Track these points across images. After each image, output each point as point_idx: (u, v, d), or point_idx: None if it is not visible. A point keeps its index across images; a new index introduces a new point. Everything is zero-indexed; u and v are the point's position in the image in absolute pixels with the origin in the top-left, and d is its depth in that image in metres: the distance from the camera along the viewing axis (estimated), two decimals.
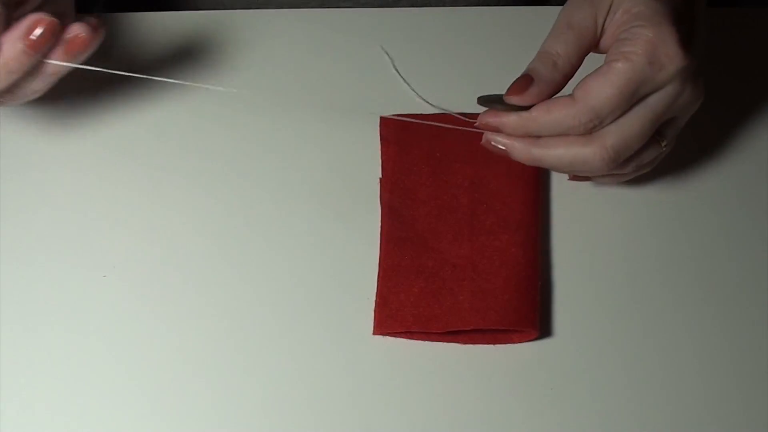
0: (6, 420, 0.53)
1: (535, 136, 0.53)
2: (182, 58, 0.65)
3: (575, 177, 0.59)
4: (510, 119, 0.53)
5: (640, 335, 0.57)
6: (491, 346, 0.56)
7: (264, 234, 0.59)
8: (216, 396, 0.54)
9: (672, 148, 0.56)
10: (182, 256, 0.58)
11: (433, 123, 0.59)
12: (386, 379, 0.55)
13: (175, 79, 0.58)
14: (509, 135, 0.54)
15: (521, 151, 0.54)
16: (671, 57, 0.51)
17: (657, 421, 0.54)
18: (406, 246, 0.58)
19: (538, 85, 0.52)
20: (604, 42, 0.54)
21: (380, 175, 0.61)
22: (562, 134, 0.52)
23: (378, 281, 0.57)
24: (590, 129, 0.52)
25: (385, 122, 0.62)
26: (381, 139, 0.61)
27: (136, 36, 0.65)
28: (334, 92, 0.64)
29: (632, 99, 0.51)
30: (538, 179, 0.60)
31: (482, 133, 0.56)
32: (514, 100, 0.52)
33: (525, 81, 0.52)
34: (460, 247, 0.57)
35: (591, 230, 0.60)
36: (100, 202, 0.59)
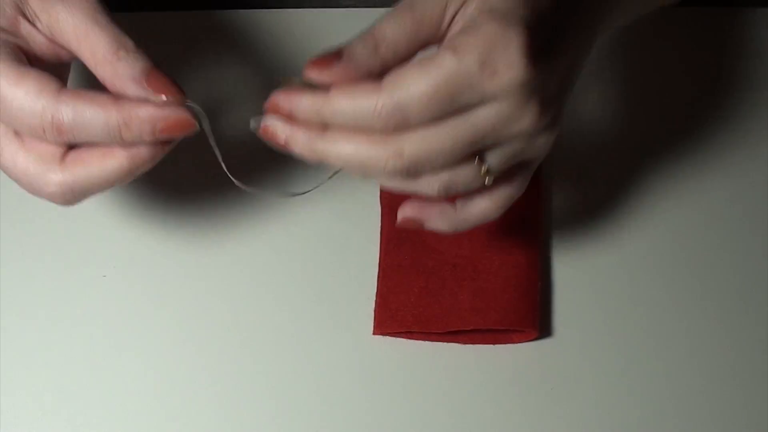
0: (6, 420, 0.53)
1: (323, 127, 0.43)
2: (182, 58, 0.65)
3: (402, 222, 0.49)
4: (302, 100, 0.42)
5: (640, 336, 0.57)
6: (491, 346, 0.56)
7: (264, 234, 0.59)
8: (216, 394, 0.54)
9: (518, 190, 0.47)
10: (182, 255, 0.58)
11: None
12: (386, 379, 0.55)
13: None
14: (295, 122, 0.43)
15: (303, 144, 0.43)
16: (510, 64, 0.41)
17: (656, 421, 0.54)
18: (406, 246, 0.58)
19: (346, 64, 0.42)
20: (451, 34, 0.43)
21: None
22: (358, 128, 0.42)
23: (378, 281, 0.57)
24: (392, 127, 0.42)
25: None
26: None
27: (136, 36, 0.65)
28: None
29: (450, 103, 0.41)
30: (539, 178, 0.60)
31: None
32: (313, 74, 0.42)
33: (332, 56, 0.42)
34: (460, 247, 0.57)
35: (591, 231, 0.60)
36: (100, 201, 0.59)
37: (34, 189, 0.45)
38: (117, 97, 0.44)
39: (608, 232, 0.60)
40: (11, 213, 0.59)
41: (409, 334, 0.56)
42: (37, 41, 0.46)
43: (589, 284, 0.58)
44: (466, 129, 0.42)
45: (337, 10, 0.67)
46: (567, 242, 0.59)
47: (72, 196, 0.45)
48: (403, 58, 0.43)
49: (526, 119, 0.42)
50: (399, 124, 0.42)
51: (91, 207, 0.59)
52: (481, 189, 0.46)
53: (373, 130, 0.42)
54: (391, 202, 0.59)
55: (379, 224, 0.59)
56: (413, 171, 0.43)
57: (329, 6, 0.68)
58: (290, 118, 0.43)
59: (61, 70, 0.48)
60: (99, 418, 0.53)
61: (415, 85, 0.41)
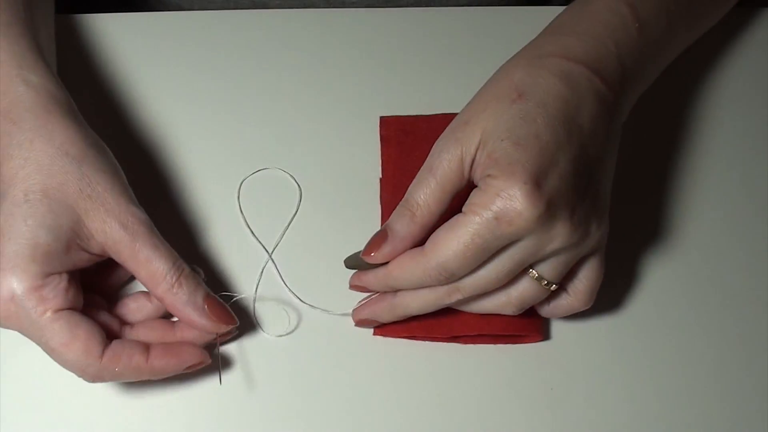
0: (6, 420, 0.53)
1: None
2: (183, 58, 0.65)
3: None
4: (368, 277, 0.53)
5: (638, 337, 0.57)
6: (491, 346, 0.56)
7: (264, 232, 0.59)
8: (214, 391, 0.54)
9: (585, 302, 0.53)
10: (182, 255, 0.58)
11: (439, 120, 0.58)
12: (386, 378, 0.55)
13: (175, 79, 0.58)
14: (371, 303, 0.54)
15: (387, 312, 0.54)
16: (519, 212, 0.47)
17: (654, 422, 0.55)
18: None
19: (392, 241, 0.51)
20: (476, 179, 0.51)
21: (380, 176, 0.60)
22: (421, 287, 0.51)
23: None
24: (444, 281, 0.50)
25: (385, 122, 0.62)
26: (381, 139, 0.61)
27: (136, 36, 0.65)
28: (334, 92, 0.64)
29: (484, 253, 0.49)
30: None
31: None
32: (369, 259, 0.52)
33: (380, 238, 0.51)
34: None
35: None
36: None
37: (71, 370, 0.50)
38: (148, 354, 0.50)
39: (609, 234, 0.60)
40: None
41: (412, 336, 0.56)
42: (84, 258, 0.50)
43: None
44: (506, 264, 0.50)
45: (341, 10, 0.67)
46: None
47: (100, 380, 0.50)
48: (440, 213, 0.51)
49: (558, 240, 0.49)
50: (448, 277, 0.50)
51: None
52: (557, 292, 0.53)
53: (433, 285, 0.51)
54: (391, 204, 0.59)
55: (379, 225, 0.59)
56: (465, 292, 0.51)
57: (334, 6, 0.68)
58: (365, 290, 0.54)
59: None
60: (99, 417, 0.54)
61: (449, 247, 0.49)
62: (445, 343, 0.56)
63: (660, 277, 0.59)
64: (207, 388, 0.54)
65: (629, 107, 0.56)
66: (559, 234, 0.49)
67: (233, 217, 0.59)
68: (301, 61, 0.65)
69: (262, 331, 0.56)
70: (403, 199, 0.51)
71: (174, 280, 0.51)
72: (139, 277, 0.51)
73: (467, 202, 0.50)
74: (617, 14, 0.54)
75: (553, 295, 0.53)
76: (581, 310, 0.54)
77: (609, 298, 0.57)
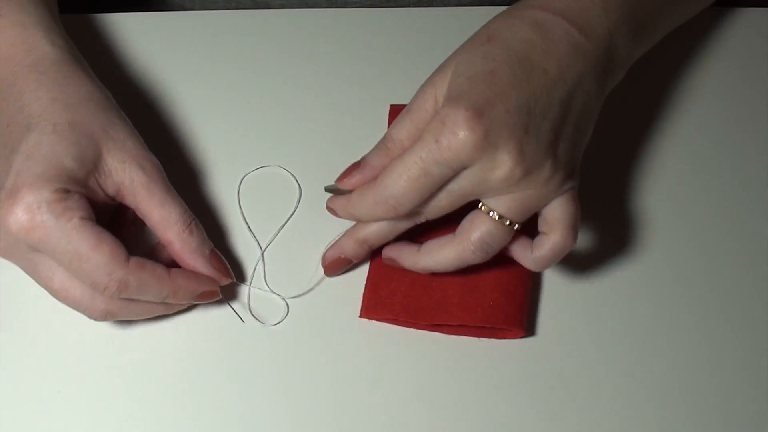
0: (6, 420, 0.53)
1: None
2: (184, 58, 0.65)
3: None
4: (336, 201, 0.55)
5: (634, 337, 0.57)
6: (475, 339, 0.56)
7: (263, 229, 0.59)
8: (211, 384, 0.55)
9: (568, 240, 0.53)
10: None
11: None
12: (385, 378, 0.55)
13: (176, 80, 0.58)
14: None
15: (350, 243, 0.56)
16: (456, 135, 0.49)
17: (656, 422, 0.55)
18: (404, 236, 0.57)
19: (362, 170, 0.54)
20: None
21: None
22: (376, 217, 0.53)
23: (370, 267, 0.58)
24: (394, 209, 0.52)
25: (394, 110, 0.62)
26: (389, 126, 0.62)
27: (136, 36, 0.65)
28: (336, 92, 0.64)
29: (429, 180, 0.51)
30: None
31: None
32: (341, 185, 0.54)
33: (354, 167, 0.54)
34: None
35: (587, 230, 0.60)
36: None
37: (79, 309, 0.52)
38: (169, 270, 0.52)
39: (605, 234, 0.60)
40: None
41: (395, 320, 0.56)
42: (99, 195, 0.52)
43: (577, 285, 0.58)
44: (454, 192, 0.52)
45: (343, 10, 0.68)
46: None
47: (110, 318, 0.52)
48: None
49: (501, 170, 0.50)
50: (396, 208, 0.52)
51: None
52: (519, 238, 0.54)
53: (383, 215, 0.53)
54: None
55: None
56: (433, 248, 0.53)
57: (337, 6, 0.68)
58: (335, 213, 0.56)
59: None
60: (99, 417, 0.54)
61: (396, 171, 0.51)
62: (444, 343, 0.56)
63: (655, 276, 0.59)
64: (200, 377, 0.55)
65: (623, 63, 0.56)
66: (502, 164, 0.50)
67: (233, 211, 0.60)
68: (304, 60, 0.65)
69: (251, 323, 0.56)
70: (382, 138, 0.54)
71: (185, 226, 0.53)
72: (152, 220, 0.53)
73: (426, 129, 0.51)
74: None
75: (535, 244, 0.53)
76: (567, 249, 0.53)
77: (595, 297, 0.58)
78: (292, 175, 0.61)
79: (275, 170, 0.61)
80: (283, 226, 0.59)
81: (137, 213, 0.54)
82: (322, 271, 0.57)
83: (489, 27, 0.54)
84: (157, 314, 0.54)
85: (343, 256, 0.56)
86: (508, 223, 0.52)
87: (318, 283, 0.57)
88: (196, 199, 0.60)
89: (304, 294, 0.57)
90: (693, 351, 0.57)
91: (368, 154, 0.54)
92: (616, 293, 0.58)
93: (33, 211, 0.48)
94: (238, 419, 0.54)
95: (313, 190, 0.60)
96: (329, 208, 0.56)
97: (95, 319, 0.52)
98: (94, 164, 0.51)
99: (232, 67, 0.65)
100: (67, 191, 0.49)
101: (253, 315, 0.57)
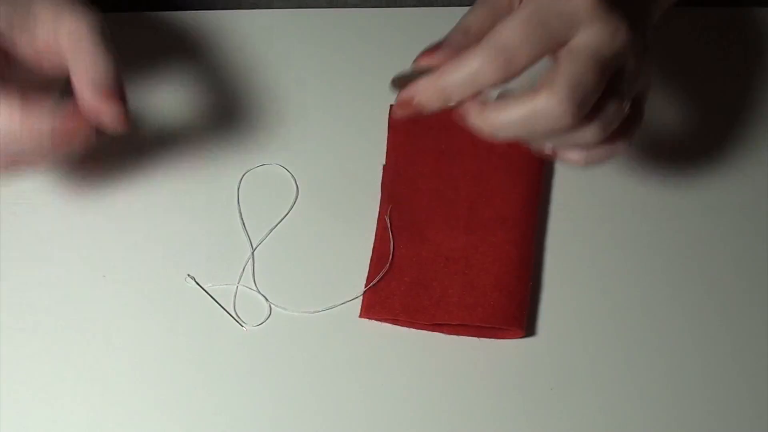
0: (6, 420, 0.53)
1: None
2: (185, 58, 0.65)
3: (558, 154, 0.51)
4: (420, 83, 0.48)
5: (634, 337, 0.57)
6: (477, 340, 0.56)
7: (260, 227, 0.59)
8: (211, 380, 0.55)
9: (642, 118, 0.50)
10: (181, 253, 0.58)
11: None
12: (381, 378, 0.55)
13: (175, 80, 0.58)
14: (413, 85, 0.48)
15: (429, 89, 0.48)
16: None
17: (656, 422, 0.54)
18: (402, 234, 0.58)
19: (446, 48, 0.48)
20: None
21: (384, 162, 0.61)
22: (480, 89, 0.47)
23: (370, 266, 0.57)
24: (506, 66, 0.46)
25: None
26: (389, 127, 0.62)
27: (136, 36, 0.65)
28: (337, 92, 0.64)
29: (544, 31, 0.46)
30: (540, 177, 0.60)
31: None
32: (423, 61, 0.48)
33: (435, 47, 0.49)
34: (455, 240, 0.57)
35: (587, 231, 0.60)
36: (100, 201, 0.59)
37: None
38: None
39: (605, 234, 0.60)
40: (11, 212, 0.59)
41: (395, 320, 0.56)
42: (24, 42, 0.50)
43: (581, 286, 0.58)
44: (581, 53, 0.45)
45: (342, 10, 0.68)
46: (563, 242, 0.59)
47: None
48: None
49: (621, 32, 0.46)
50: (509, 65, 0.45)
51: (92, 206, 0.59)
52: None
53: (494, 81, 0.46)
54: (392, 189, 0.59)
55: (378, 209, 0.59)
56: (575, 100, 0.45)
57: (337, 6, 0.68)
58: (412, 107, 0.48)
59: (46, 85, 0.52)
60: (99, 417, 0.53)
61: (506, 25, 0.45)
62: (444, 343, 0.56)
63: (658, 277, 0.59)
64: (201, 375, 0.55)
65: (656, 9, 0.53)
66: (621, 27, 0.46)
67: (231, 209, 0.60)
68: (304, 60, 0.65)
69: (238, 322, 0.56)
70: (457, 23, 0.49)
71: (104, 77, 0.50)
72: (74, 69, 0.50)
73: None
74: None
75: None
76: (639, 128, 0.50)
77: (600, 299, 0.58)
78: (291, 174, 0.61)
79: (275, 168, 0.61)
80: (275, 227, 0.59)
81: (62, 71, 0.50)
82: (311, 273, 0.57)
83: None
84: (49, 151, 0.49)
85: (415, 101, 0.48)
86: (625, 104, 0.48)
87: (317, 283, 0.57)
88: (196, 197, 0.60)
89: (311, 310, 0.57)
90: (693, 351, 0.56)
91: (446, 36, 0.49)
92: (616, 293, 0.58)
93: None
94: (237, 419, 0.54)
95: (312, 189, 0.60)
96: (402, 102, 0.49)
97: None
98: (20, 16, 0.49)
99: (232, 66, 0.65)
100: None
101: (234, 316, 0.56)
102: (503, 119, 0.47)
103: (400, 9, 0.68)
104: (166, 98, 0.63)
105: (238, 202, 0.60)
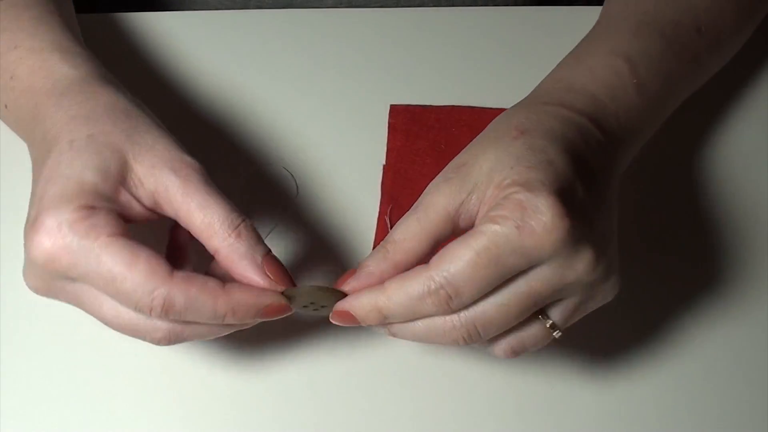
0: (6, 420, 0.53)
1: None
2: (185, 58, 0.65)
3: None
4: (362, 297, 0.45)
5: (635, 337, 0.57)
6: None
7: (259, 227, 0.59)
8: (211, 379, 0.55)
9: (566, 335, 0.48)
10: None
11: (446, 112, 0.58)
12: (378, 377, 0.55)
13: (174, 80, 0.58)
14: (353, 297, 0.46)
15: (368, 309, 0.46)
16: (544, 224, 0.42)
17: (656, 422, 0.55)
18: None
19: (358, 277, 0.46)
20: (479, 217, 0.45)
21: (383, 163, 0.61)
22: (418, 318, 0.45)
23: None
24: (448, 301, 0.43)
25: (394, 110, 0.62)
26: (389, 127, 0.62)
27: (136, 36, 0.65)
28: (338, 93, 0.64)
29: (497, 268, 0.43)
30: None
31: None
32: (341, 284, 0.47)
33: (348, 274, 0.47)
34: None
35: None
36: None
37: (138, 336, 0.46)
38: (224, 284, 0.45)
39: None
40: (11, 212, 0.59)
41: None
42: (134, 209, 0.46)
43: None
44: (522, 291, 0.44)
45: (342, 10, 0.68)
46: None
47: (175, 342, 0.46)
48: (416, 253, 0.45)
49: (580, 265, 0.44)
50: (452, 296, 0.43)
51: None
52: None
53: (436, 307, 0.44)
54: (391, 191, 0.60)
55: (378, 210, 0.60)
56: (478, 338, 0.45)
57: (341, 6, 0.69)
58: (351, 319, 0.46)
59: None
60: (99, 417, 0.54)
61: (459, 255, 0.43)
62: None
63: (659, 273, 0.59)
64: (202, 373, 0.55)
65: (626, 162, 0.54)
66: (582, 261, 0.44)
67: None
68: (305, 60, 0.66)
69: None
70: (382, 241, 0.47)
71: (232, 229, 0.46)
72: (195, 229, 0.46)
73: (479, 219, 0.45)
74: (615, 72, 0.53)
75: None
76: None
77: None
78: (291, 174, 0.61)
79: (275, 169, 0.61)
80: (275, 227, 0.59)
81: (181, 225, 0.47)
82: (319, 272, 0.57)
83: (512, 120, 0.48)
84: (225, 334, 0.47)
85: (353, 313, 0.46)
86: (556, 334, 0.47)
87: (317, 282, 0.57)
88: None
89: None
90: (694, 351, 0.57)
91: (365, 258, 0.46)
92: (620, 298, 0.58)
93: (54, 235, 0.43)
94: (237, 419, 0.54)
95: (312, 189, 0.60)
96: (341, 314, 0.46)
97: (159, 344, 0.46)
98: (120, 174, 0.45)
99: (232, 66, 0.65)
100: (92, 208, 0.44)
101: None
102: (404, 329, 0.46)
103: (400, 9, 0.68)
104: (166, 98, 0.63)
105: (238, 202, 0.60)
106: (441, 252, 0.44)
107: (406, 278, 0.44)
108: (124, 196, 0.46)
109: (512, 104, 0.53)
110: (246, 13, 0.67)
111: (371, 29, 0.67)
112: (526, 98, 0.52)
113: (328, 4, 0.69)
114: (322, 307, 0.48)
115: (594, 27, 0.58)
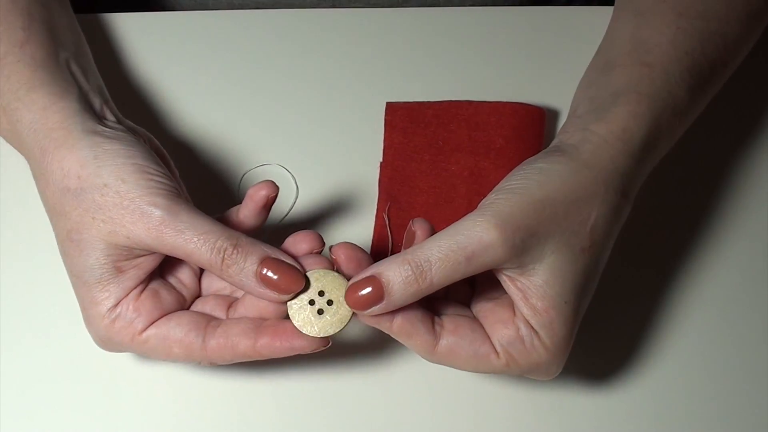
0: (6, 420, 0.53)
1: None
2: (185, 58, 0.65)
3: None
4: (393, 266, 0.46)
5: (635, 337, 0.57)
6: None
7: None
8: (210, 378, 0.55)
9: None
10: None
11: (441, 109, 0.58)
12: (377, 377, 0.55)
13: (174, 80, 0.58)
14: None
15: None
16: (539, 374, 0.49)
17: (656, 422, 0.55)
18: (400, 231, 0.58)
19: (387, 304, 0.46)
20: (508, 282, 0.47)
21: (381, 160, 0.61)
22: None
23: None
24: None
25: (391, 108, 0.62)
26: (385, 125, 0.62)
27: (136, 36, 0.65)
28: (338, 93, 0.64)
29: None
30: None
31: (487, 126, 0.56)
32: (361, 316, 0.47)
33: (375, 295, 0.46)
34: None
35: None
36: None
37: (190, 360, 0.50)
38: (256, 335, 0.48)
39: None
40: (11, 212, 0.59)
41: None
42: (143, 265, 0.49)
43: None
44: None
45: (342, 10, 0.68)
46: None
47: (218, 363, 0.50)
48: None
49: (544, 376, 0.49)
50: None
51: None
52: None
53: None
54: (389, 188, 0.60)
55: (375, 208, 0.60)
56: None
57: (340, 6, 0.69)
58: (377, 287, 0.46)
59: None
60: (99, 417, 0.54)
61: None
62: None
63: (658, 277, 0.59)
64: (203, 372, 0.55)
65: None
66: (549, 375, 0.50)
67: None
68: (304, 60, 0.66)
69: None
70: (413, 260, 0.46)
71: (217, 256, 0.46)
72: (192, 266, 0.51)
73: (503, 341, 0.47)
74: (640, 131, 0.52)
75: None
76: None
77: (609, 296, 0.57)
78: (291, 174, 0.61)
79: (275, 168, 0.61)
80: (275, 227, 0.59)
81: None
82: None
83: (590, 217, 0.48)
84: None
85: (382, 282, 0.46)
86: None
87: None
88: (196, 197, 0.59)
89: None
90: (694, 351, 0.57)
91: (391, 279, 0.46)
92: (616, 292, 0.58)
93: (102, 343, 0.50)
94: (236, 419, 0.54)
95: (311, 189, 0.60)
96: (368, 280, 0.46)
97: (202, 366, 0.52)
98: (108, 257, 0.48)
99: (232, 66, 0.65)
100: (112, 308, 0.48)
101: None
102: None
103: (400, 9, 0.68)
104: (165, 98, 0.63)
105: (239, 202, 0.60)
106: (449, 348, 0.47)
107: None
108: (127, 266, 0.48)
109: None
110: (244, 13, 0.67)
111: (369, 29, 0.67)
112: (598, 153, 0.50)
113: (325, 4, 0.69)
114: (328, 304, 0.48)
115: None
